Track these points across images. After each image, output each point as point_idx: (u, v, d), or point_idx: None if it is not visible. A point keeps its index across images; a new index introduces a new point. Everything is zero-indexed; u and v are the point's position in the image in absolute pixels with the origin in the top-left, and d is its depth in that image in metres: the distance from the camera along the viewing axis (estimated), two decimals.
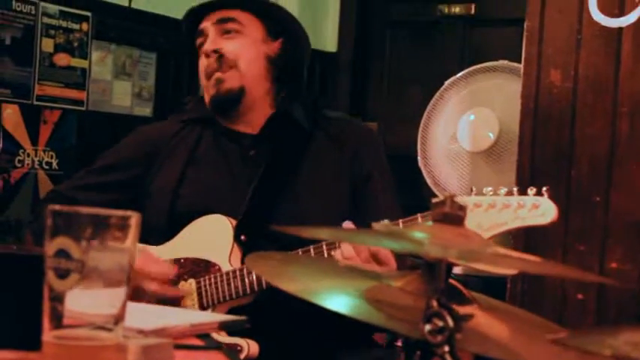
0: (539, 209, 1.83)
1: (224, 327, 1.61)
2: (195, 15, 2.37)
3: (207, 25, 2.33)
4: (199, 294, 2.15)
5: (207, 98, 2.34)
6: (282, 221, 2.15)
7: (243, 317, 1.78)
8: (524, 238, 2.86)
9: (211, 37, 2.31)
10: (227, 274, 2.13)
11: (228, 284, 2.11)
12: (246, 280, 2.08)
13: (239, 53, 2.31)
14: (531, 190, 1.83)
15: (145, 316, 1.43)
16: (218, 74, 2.29)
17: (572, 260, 2.77)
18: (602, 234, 2.76)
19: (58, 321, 0.98)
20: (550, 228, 2.80)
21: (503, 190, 1.86)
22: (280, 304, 1.69)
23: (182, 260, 2.20)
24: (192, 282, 2.16)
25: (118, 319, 1.00)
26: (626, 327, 0.92)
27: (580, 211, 2.79)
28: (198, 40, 2.35)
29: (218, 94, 2.30)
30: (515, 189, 1.88)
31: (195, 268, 2.18)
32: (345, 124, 2.46)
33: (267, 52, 2.35)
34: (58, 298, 0.98)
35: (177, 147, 2.35)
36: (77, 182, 2.38)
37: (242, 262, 2.15)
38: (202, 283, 2.15)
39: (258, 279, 2.07)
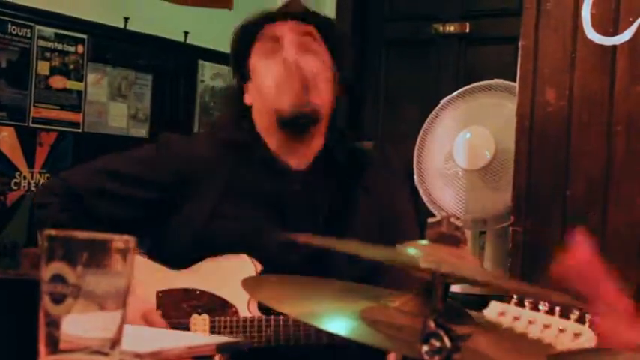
0: (580, 339, 1.73)
1: (221, 349, 1.60)
2: (265, 19, 2.20)
3: (284, 32, 2.15)
4: (212, 332, 2.05)
5: (269, 109, 2.13)
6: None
7: (240, 340, 1.77)
8: (522, 257, 2.85)
9: (293, 47, 2.11)
10: (244, 320, 2.02)
11: (244, 331, 2.01)
12: (264, 332, 2.00)
13: (320, 72, 2.13)
14: (573, 315, 1.74)
15: (141, 338, 1.43)
16: (300, 88, 2.08)
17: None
18: (598, 252, 2.75)
19: (54, 346, 0.97)
20: (547, 246, 2.82)
21: (542, 307, 1.78)
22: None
23: (198, 292, 2.10)
24: (206, 317, 2.06)
25: (115, 342, 0.99)
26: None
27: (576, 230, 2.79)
28: (267, 45, 2.16)
29: (299, 110, 2.09)
30: (557, 308, 1.78)
31: (211, 304, 2.08)
32: (376, 157, 2.31)
33: (332, 80, 2.20)
34: (54, 323, 0.97)
35: (213, 175, 2.14)
36: (96, 183, 2.15)
37: (260, 310, 2.05)
38: (217, 323, 2.05)
39: (276, 333, 1.98)
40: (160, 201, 2.13)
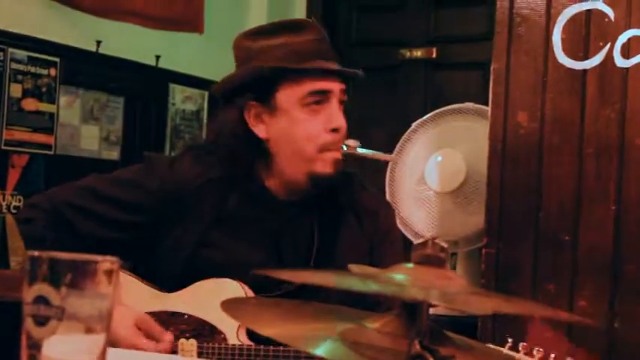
0: None
1: None
2: (313, 72, 2.08)
3: (335, 90, 2.09)
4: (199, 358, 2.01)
5: (302, 166, 2.08)
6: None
7: None
8: (495, 278, 2.87)
9: (337, 109, 2.09)
10: (233, 348, 1.99)
11: (232, 359, 1.98)
12: None
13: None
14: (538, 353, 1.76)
15: None
16: (338, 154, 2.08)
17: (542, 299, 2.78)
18: (571, 273, 2.78)
19: None
20: (520, 268, 2.84)
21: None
22: None
23: (186, 316, 2.06)
24: (193, 342, 2.03)
25: None
26: None
27: (549, 251, 2.82)
28: (313, 98, 2.07)
29: (332, 175, 2.08)
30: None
31: (200, 329, 2.04)
32: (373, 201, 2.28)
33: None
34: (36, 346, 0.96)
35: (201, 202, 2.10)
36: (82, 203, 2.10)
37: (249, 339, 2.01)
38: (205, 349, 2.01)
39: None
40: (146, 224, 2.10)
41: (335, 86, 2.09)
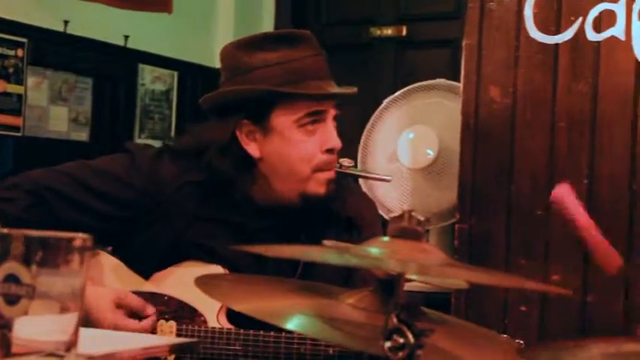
0: None
1: (175, 350, 1.59)
2: (309, 97, 2.04)
3: (330, 111, 2.07)
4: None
5: (295, 185, 2.05)
6: None
7: (194, 340, 1.73)
8: (468, 253, 2.88)
9: (332, 129, 2.07)
10: (212, 330, 1.97)
11: (212, 342, 1.96)
12: (232, 345, 1.95)
13: None
14: None
15: (94, 340, 1.40)
16: (332, 174, 2.06)
17: (515, 274, 2.79)
18: (543, 248, 2.79)
19: (6, 349, 0.95)
20: (493, 243, 2.85)
21: None
22: None
23: (166, 298, 2.04)
24: (173, 324, 2.02)
25: (70, 345, 0.97)
26: (594, 340, 0.92)
27: (522, 226, 2.82)
28: (309, 119, 2.04)
29: (324, 195, 2.06)
30: None
31: (180, 311, 2.03)
32: (358, 207, 2.24)
33: None
34: (6, 326, 0.95)
35: (180, 204, 2.08)
36: (62, 188, 2.07)
37: (229, 322, 2.00)
38: (184, 331, 2.00)
39: (244, 348, 1.94)
40: (124, 218, 2.08)
41: (330, 106, 2.08)
